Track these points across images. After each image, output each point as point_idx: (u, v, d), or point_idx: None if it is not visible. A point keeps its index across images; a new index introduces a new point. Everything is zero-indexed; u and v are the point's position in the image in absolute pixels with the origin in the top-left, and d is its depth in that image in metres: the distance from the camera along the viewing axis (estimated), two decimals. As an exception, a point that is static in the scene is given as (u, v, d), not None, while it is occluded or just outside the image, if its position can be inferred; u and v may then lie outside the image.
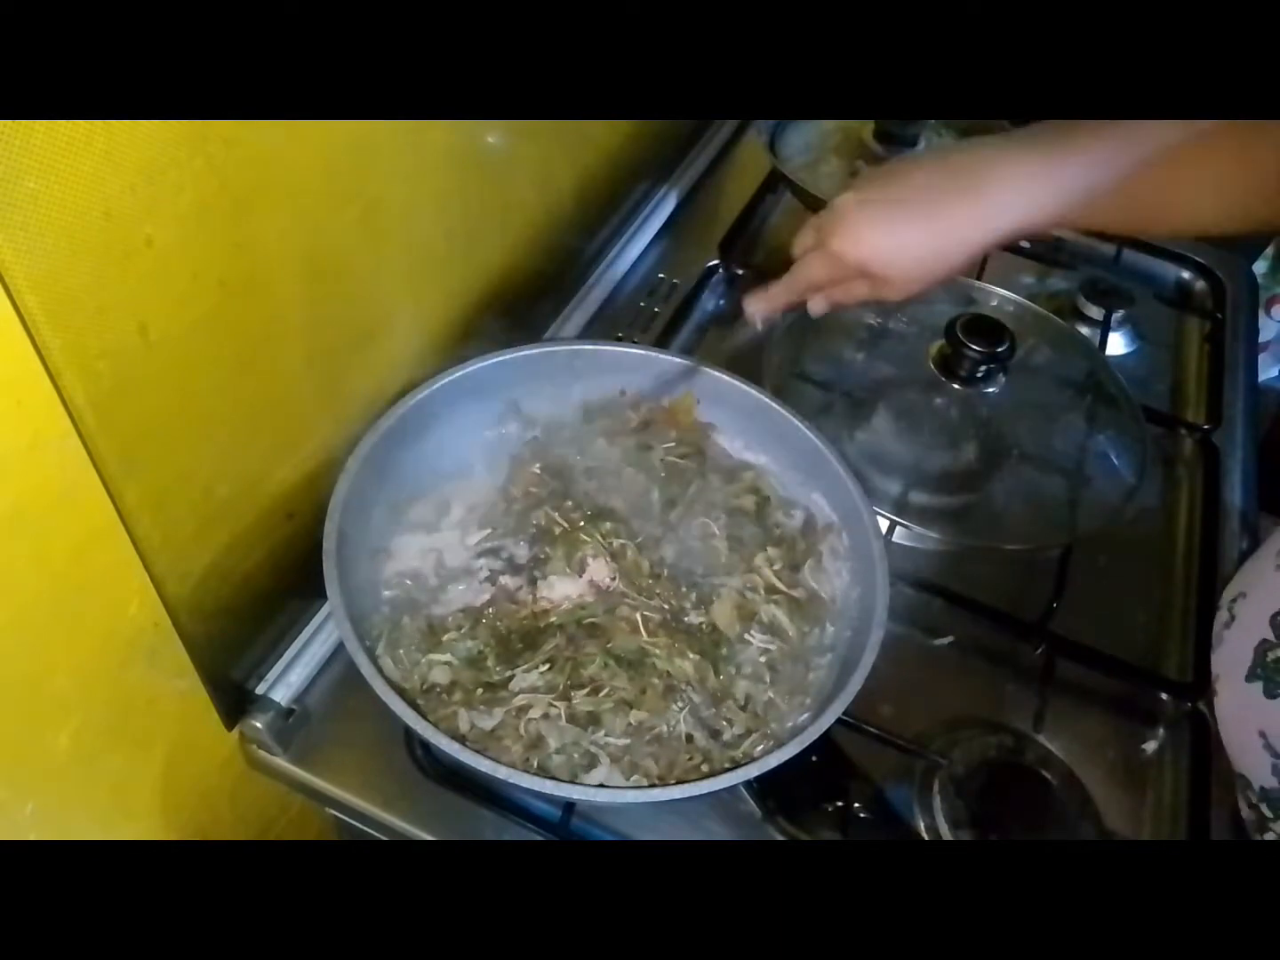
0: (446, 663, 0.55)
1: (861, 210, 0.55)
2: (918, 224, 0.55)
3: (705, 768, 0.53)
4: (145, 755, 0.55)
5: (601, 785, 0.51)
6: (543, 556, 0.60)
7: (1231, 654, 0.61)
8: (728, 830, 0.58)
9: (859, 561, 0.60)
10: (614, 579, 0.60)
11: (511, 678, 0.55)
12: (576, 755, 0.52)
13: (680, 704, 0.55)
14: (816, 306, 0.62)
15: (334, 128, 0.47)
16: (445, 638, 0.56)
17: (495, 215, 0.68)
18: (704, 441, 0.68)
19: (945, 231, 0.54)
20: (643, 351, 0.68)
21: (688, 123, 1.00)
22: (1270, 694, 0.56)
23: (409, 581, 0.59)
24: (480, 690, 0.54)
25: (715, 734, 0.55)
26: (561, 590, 0.59)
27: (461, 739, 0.51)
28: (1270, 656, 0.57)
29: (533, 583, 0.59)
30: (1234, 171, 0.56)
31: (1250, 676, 0.58)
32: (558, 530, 0.61)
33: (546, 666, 0.55)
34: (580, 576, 0.59)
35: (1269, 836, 0.57)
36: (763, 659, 0.58)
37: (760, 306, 0.63)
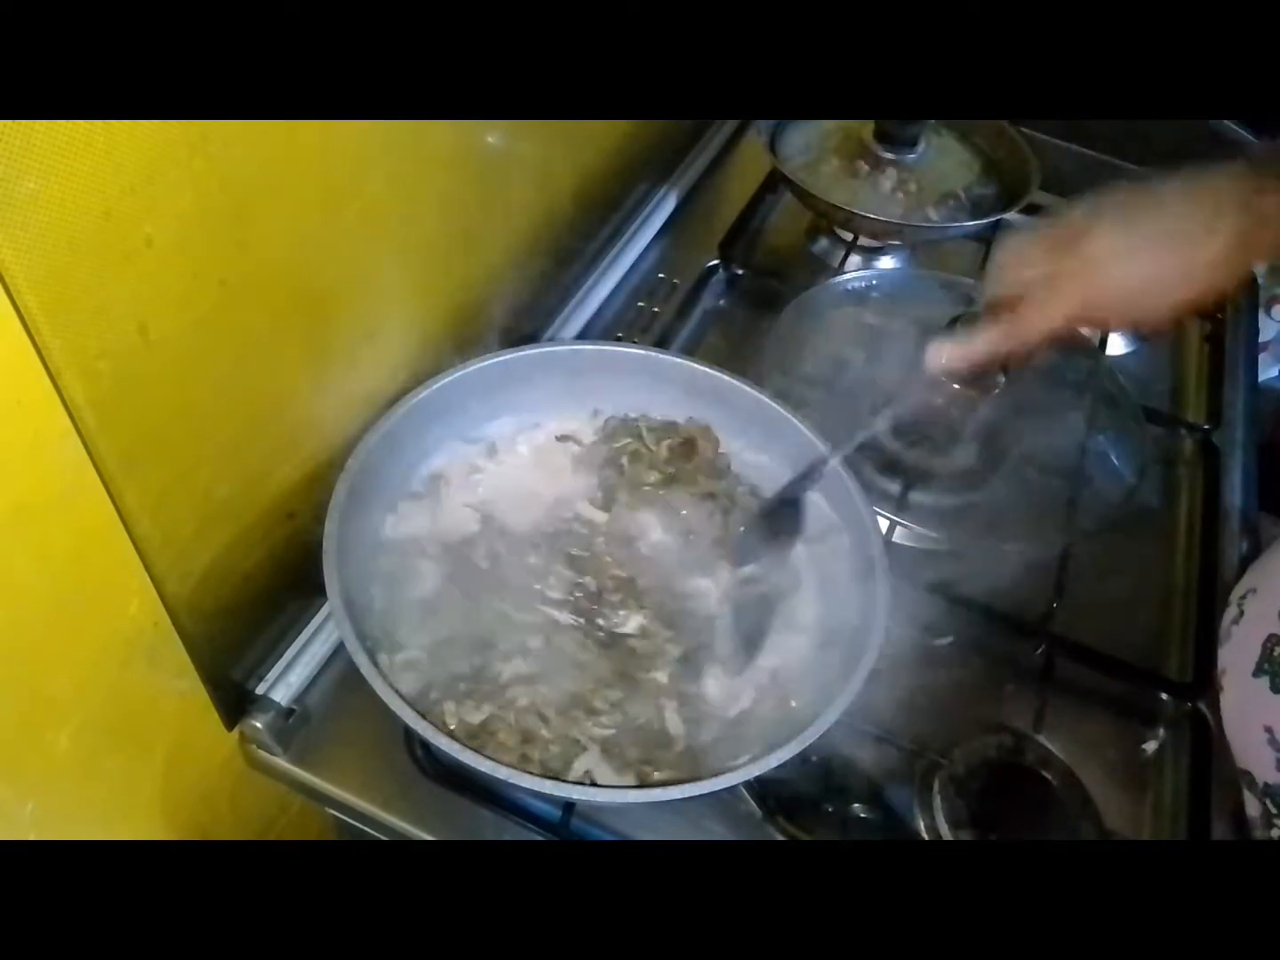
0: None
1: (1126, 247, 0.54)
2: (1178, 256, 0.53)
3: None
4: (145, 755, 0.55)
5: (601, 785, 0.51)
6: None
7: (1239, 649, 0.61)
8: (728, 830, 0.57)
9: (859, 561, 0.60)
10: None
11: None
12: (566, 745, 0.52)
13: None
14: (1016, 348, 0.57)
15: (334, 128, 0.47)
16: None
17: (495, 215, 0.68)
18: (727, 478, 0.67)
19: (1205, 266, 0.53)
20: (643, 351, 0.68)
21: (688, 123, 1.00)
22: (1276, 689, 0.56)
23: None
24: (463, 684, 0.55)
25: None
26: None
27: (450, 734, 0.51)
28: (1278, 651, 0.57)
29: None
30: None
31: (1257, 672, 0.58)
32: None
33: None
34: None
35: (1274, 833, 0.57)
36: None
37: (961, 353, 0.57)
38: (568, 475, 0.66)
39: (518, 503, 0.64)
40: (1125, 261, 0.54)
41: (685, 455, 0.67)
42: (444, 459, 0.65)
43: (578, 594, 0.60)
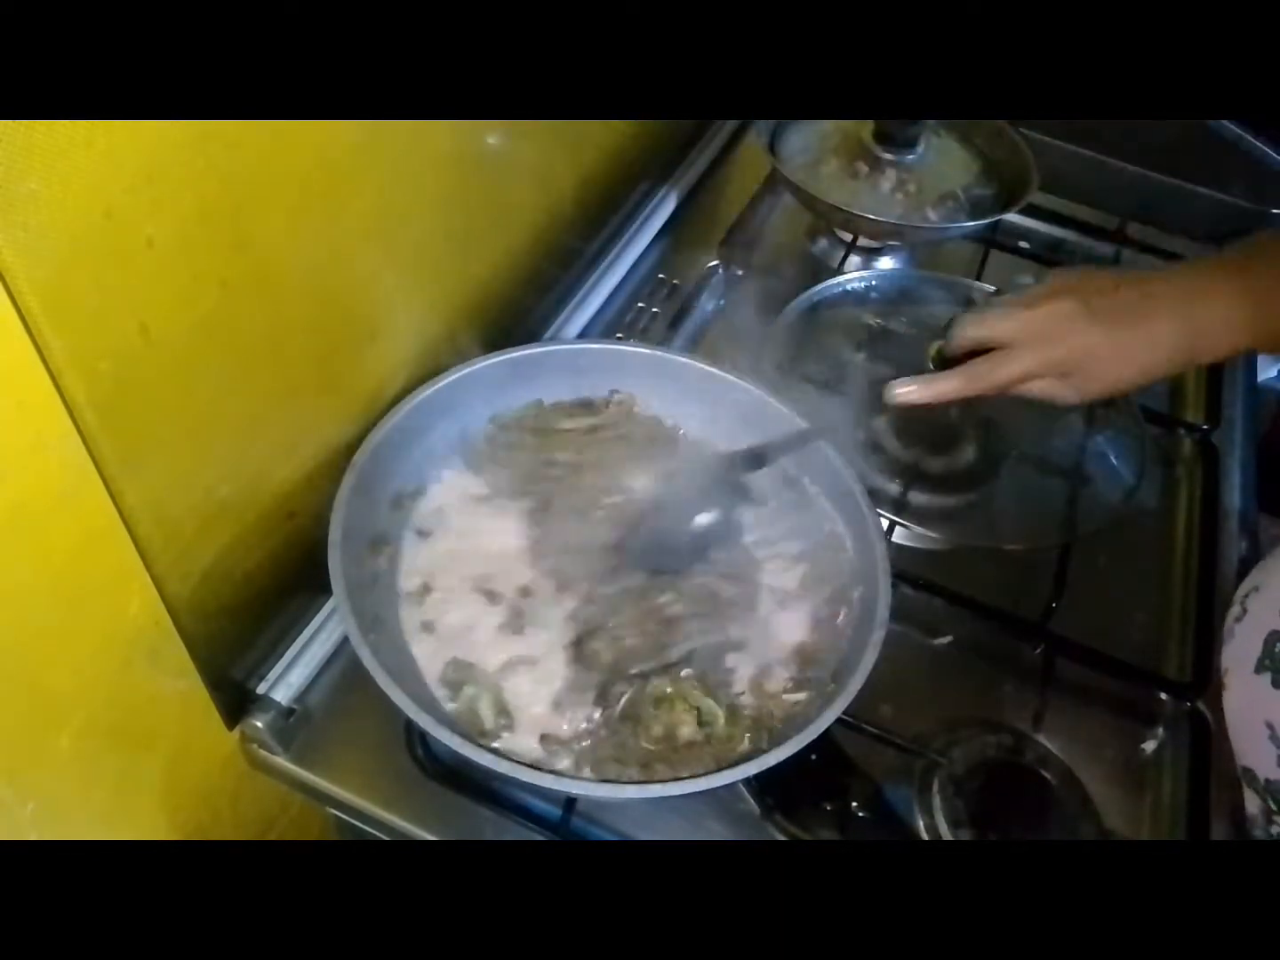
0: None
1: (1085, 315, 0.58)
2: (1136, 334, 0.58)
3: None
4: (146, 755, 0.55)
5: (601, 780, 0.51)
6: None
7: (1241, 646, 0.62)
8: (727, 829, 0.58)
9: (859, 561, 0.60)
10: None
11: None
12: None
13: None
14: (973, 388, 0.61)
15: (334, 128, 0.47)
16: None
17: (495, 215, 0.68)
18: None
19: (1158, 346, 0.58)
20: (647, 350, 0.68)
21: (688, 123, 1.00)
22: (1278, 684, 0.56)
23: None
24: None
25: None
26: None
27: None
28: (1279, 647, 0.57)
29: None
30: None
31: (1259, 668, 0.58)
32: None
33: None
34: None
35: (1275, 830, 0.57)
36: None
37: (924, 394, 0.61)
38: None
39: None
40: (1083, 329, 0.58)
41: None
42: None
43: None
